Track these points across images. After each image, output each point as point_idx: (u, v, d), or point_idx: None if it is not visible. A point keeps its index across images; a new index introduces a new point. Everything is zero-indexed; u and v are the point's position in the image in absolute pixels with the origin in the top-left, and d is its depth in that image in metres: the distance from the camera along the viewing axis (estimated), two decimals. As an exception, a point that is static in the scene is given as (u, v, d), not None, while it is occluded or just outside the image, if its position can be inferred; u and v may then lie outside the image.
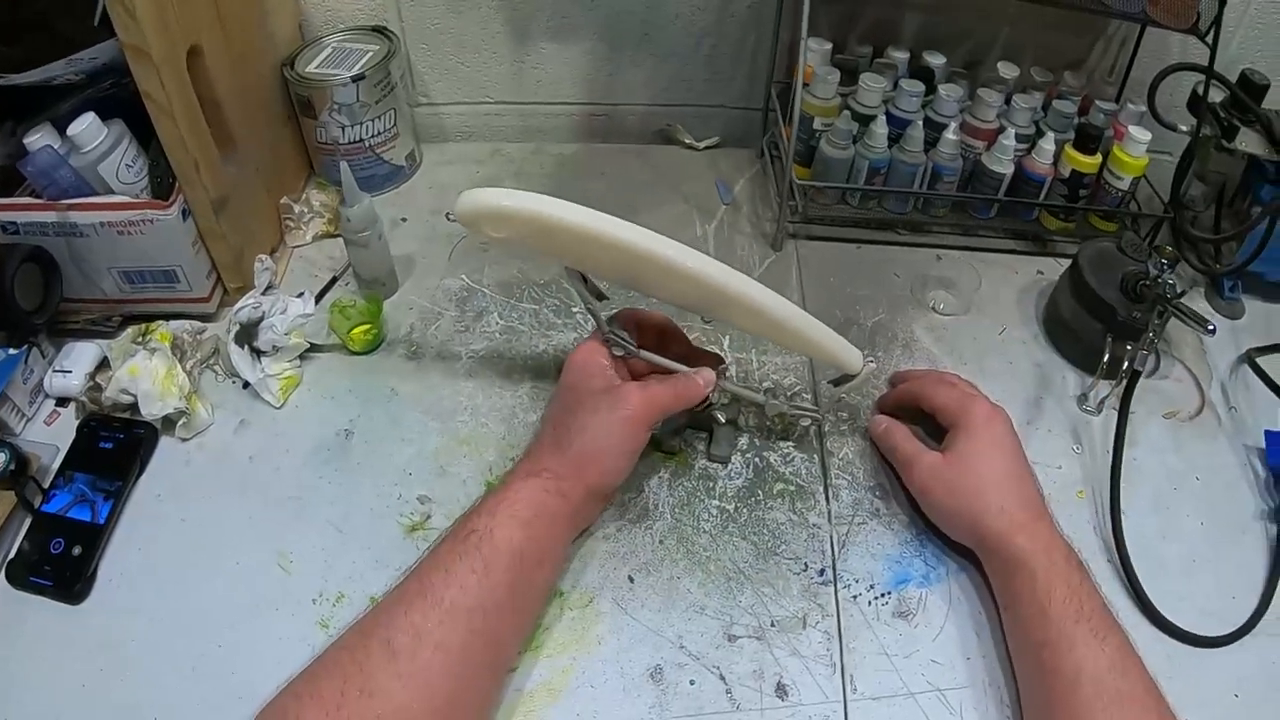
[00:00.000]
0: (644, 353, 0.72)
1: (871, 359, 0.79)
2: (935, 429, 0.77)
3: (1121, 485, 0.76)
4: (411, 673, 0.55)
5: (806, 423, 0.81)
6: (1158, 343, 0.82)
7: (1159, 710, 0.58)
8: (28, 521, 0.72)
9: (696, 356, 0.77)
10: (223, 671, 0.64)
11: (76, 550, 0.70)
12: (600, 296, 0.74)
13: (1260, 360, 0.91)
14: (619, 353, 0.71)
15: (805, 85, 0.94)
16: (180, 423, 0.78)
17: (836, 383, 0.80)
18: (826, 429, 0.82)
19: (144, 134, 0.80)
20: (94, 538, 0.71)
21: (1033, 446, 0.81)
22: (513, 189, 0.64)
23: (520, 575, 0.62)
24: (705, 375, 0.73)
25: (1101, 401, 0.85)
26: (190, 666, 0.64)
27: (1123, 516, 0.75)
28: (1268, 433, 0.84)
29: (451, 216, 0.67)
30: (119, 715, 0.62)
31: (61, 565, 0.69)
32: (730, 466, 0.78)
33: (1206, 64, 0.90)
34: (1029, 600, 0.64)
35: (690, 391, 0.71)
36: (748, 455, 0.79)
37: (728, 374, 0.78)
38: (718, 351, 0.82)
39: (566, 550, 0.69)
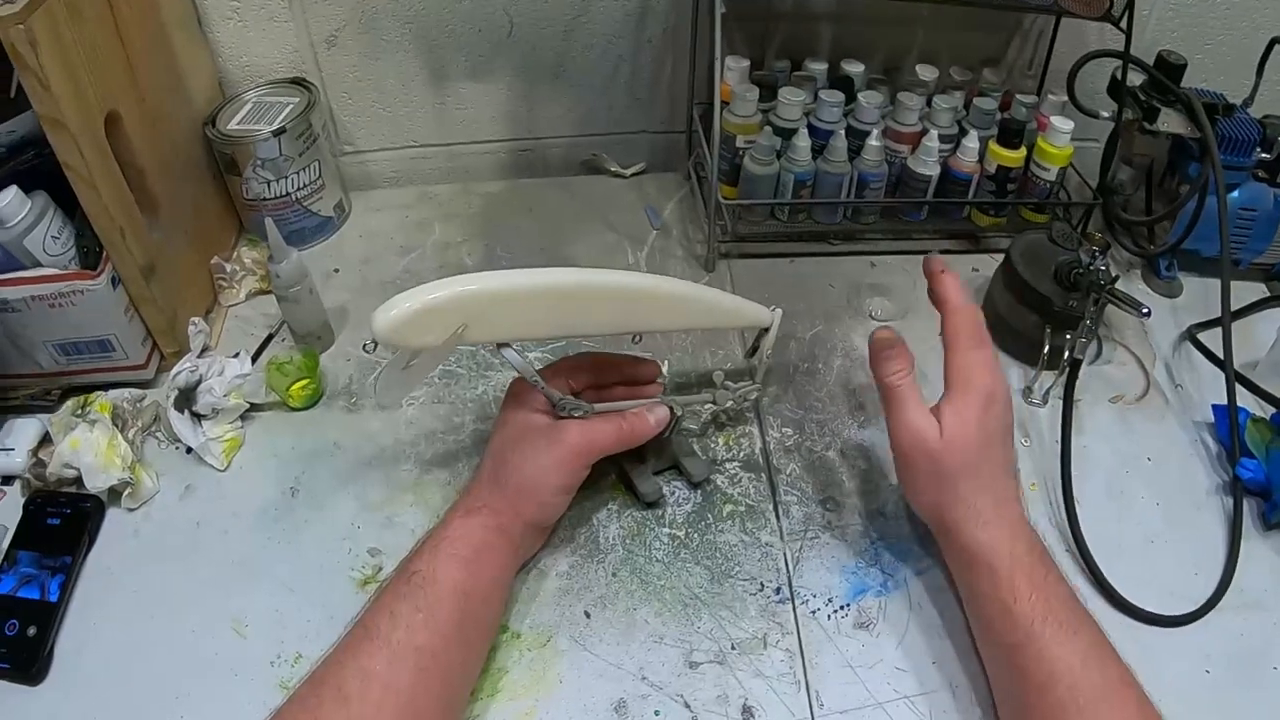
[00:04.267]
0: (598, 407, 0.72)
1: (777, 306, 0.79)
2: None
3: (1073, 474, 0.77)
4: (362, 716, 0.54)
5: (754, 396, 0.82)
6: (1097, 329, 0.83)
7: (1137, 701, 0.57)
8: (-22, 606, 0.70)
9: (634, 368, 0.77)
10: (186, 742, 0.63)
11: (31, 630, 0.68)
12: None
13: (1201, 336, 0.92)
14: (578, 414, 0.71)
15: (725, 104, 0.94)
16: (125, 493, 0.77)
17: (751, 351, 0.81)
18: (772, 447, 0.82)
19: (69, 203, 0.79)
20: (47, 616, 0.69)
21: (981, 443, 0.81)
22: (422, 285, 0.64)
23: (465, 613, 0.62)
24: (658, 414, 0.73)
25: (1046, 393, 0.85)
26: (154, 739, 0.63)
27: (1077, 505, 0.75)
28: (1216, 407, 0.84)
29: (369, 347, 0.64)
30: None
31: (17, 646, 0.67)
32: (677, 493, 0.78)
33: (1123, 49, 0.91)
34: (991, 598, 0.62)
35: (637, 429, 0.71)
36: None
37: (668, 391, 0.78)
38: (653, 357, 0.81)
39: (510, 583, 0.69)
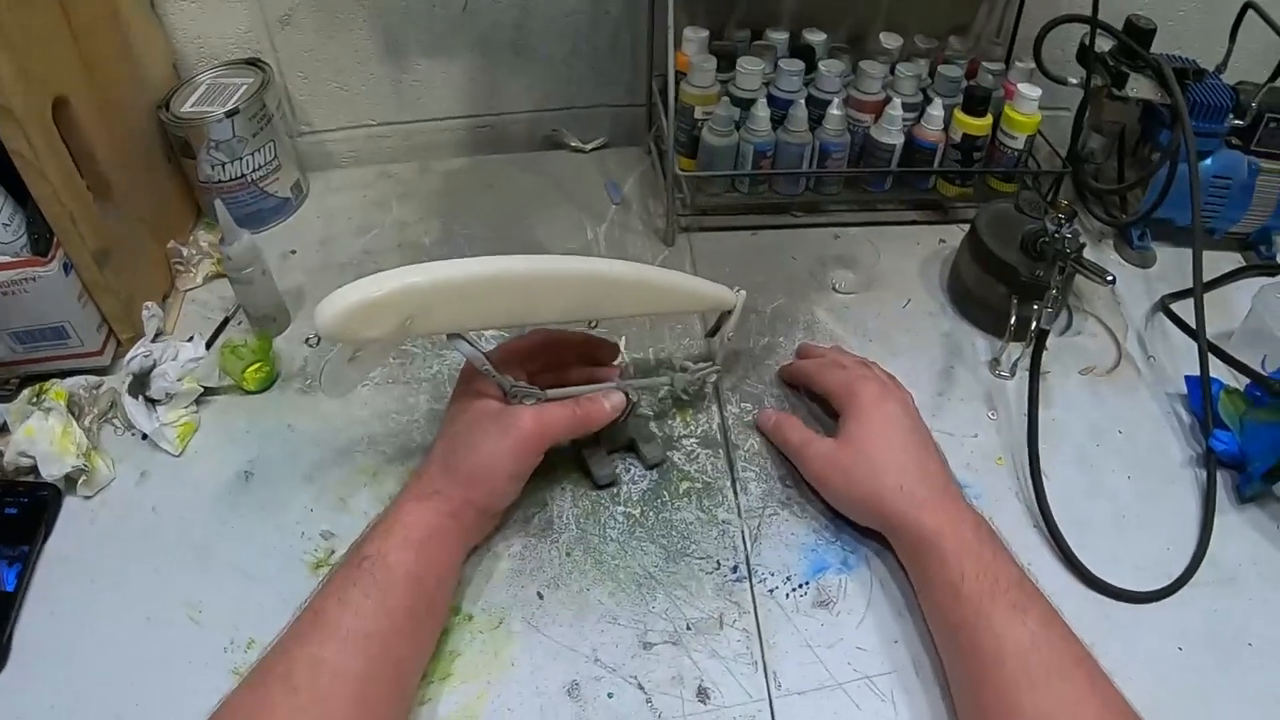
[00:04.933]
0: (551, 392, 0.71)
1: (740, 288, 0.77)
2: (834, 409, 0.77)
3: (1042, 447, 0.76)
4: (312, 704, 0.54)
5: (713, 378, 0.81)
6: (1065, 299, 0.82)
7: (1089, 678, 0.57)
8: (-64, 597, 0.69)
9: (591, 347, 0.77)
10: (141, 731, 0.62)
11: (-12, 621, 0.67)
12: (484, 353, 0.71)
13: (1174, 306, 0.91)
14: (530, 401, 0.69)
15: (682, 75, 0.93)
16: (81, 481, 0.76)
17: (712, 331, 0.80)
18: (730, 422, 0.81)
19: (19, 189, 0.78)
20: (5, 606, 0.68)
21: (946, 417, 0.80)
22: (366, 277, 0.60)
23: (417, 598, 0.61)
24: (613, 400, 0.71)
25: (1014, 364, 0.84)
26: (111, 728, 0.62)
27: (1046, 479, 0.74)
28: (1188, 378, 0.83)
29: (313, 340, 0.62)
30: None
31: (-26, 637, 0.67)
32: (633, 470, 0.77)
33: (1090, 13, 0.89)
34: (940, 581, 0.62)
35: (592, 415, 0.70)
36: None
37: (626, 372, 0.77)
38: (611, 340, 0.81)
39: (460, 567, 0.68)
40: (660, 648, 0.65)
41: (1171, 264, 0.97)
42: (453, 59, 1.07)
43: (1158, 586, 0.69)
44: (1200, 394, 0.80)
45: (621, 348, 0.83)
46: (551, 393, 0.71)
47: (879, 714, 0.62)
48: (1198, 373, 0.81)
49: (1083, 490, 0.76)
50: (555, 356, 0.75)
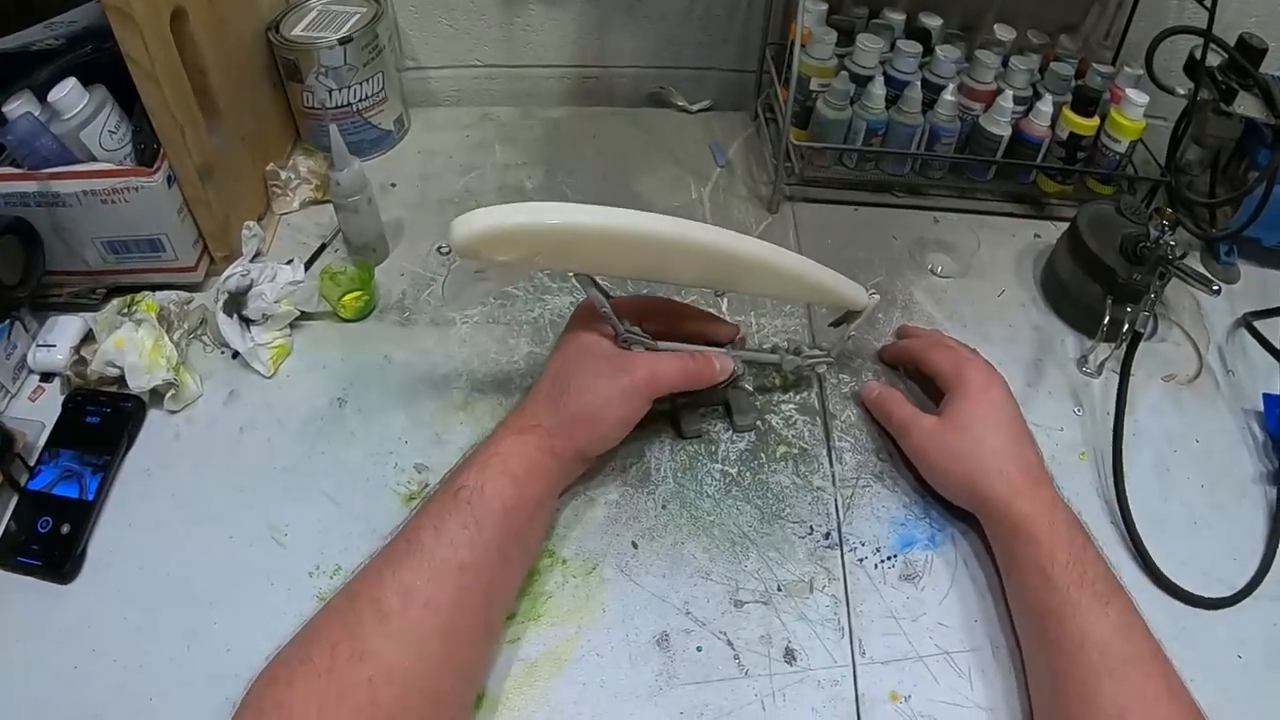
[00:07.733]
0: (661, 344, 0.70)
1: (874, 291, 0.77)
2: (935, 389, 0.77)
3: (1123, 447, 0.76)
4: (402, 632, 0.53)
5: (822, 369, 0.81)
6: (1156, 305, 0.82)
7: (1164, 674, 0.57)
8: (14, 500, 0.69)
9: (711, 326, 0.76)
10: (218, 648, 0.62)
11: (65, 528, 0.68)
12: (606, 295, 0.70)
13: (1257, 324, 0.91)
14: (639, 349, 0.69)
15: (802, 46, 0.92)
16: (169, 395, 0.76)
17: (836, 323, 0.80)
18: (829, 392, 0.81)
19: (126, 99, 0.78)
20: (83, 515, 0.69)
21: (1033, 409, 0.80)
22: (512, 205, 0.60)
23: (511, 532, 0.61)
24: (723, 361, 0.72)
25: (1101, 364, 0.84)
26: (185, 645, 0.62)
27: (1125, 479, 0.74)
28: (1266, 396, 0.83)
29: (445, 249, 0.62)
30: (113, 697, 0.60)
31: (50, 544, 0.67)
32: (731, 430, 0.78)
33: (1204, 27, 0.89)
34: (1031, 566, 0.63)
35: (703, 372, 0.70)
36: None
37: (737, 341, 0.77)
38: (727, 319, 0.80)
39: (553, 507, 0.68)
40: (751, 606, 0.66)
41: (1255, 282, 0.97)
42: (566, 7, 1.07)
43: (1223, 594, 0.69)
44: (1277, 413, 0.80)
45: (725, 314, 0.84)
46: (661, 344, 0.70)
47: (955, 689, 0.62)
48: (1277, 391, 0.81)
49: (1158, 493, 0.76)
50: (672, 324, 0.74)
